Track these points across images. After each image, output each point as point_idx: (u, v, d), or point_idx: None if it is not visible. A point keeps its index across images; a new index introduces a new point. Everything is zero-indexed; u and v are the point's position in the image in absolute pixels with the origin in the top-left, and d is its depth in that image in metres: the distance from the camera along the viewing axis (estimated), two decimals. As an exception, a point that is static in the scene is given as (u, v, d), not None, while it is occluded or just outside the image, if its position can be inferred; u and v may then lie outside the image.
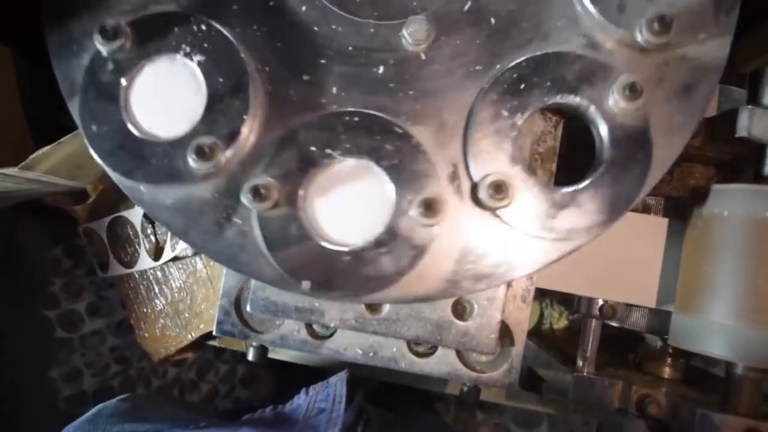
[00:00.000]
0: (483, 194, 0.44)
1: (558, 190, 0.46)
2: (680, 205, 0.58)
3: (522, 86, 0.46)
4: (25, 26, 0.51)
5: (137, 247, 0.81)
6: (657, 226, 0.59)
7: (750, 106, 0.53)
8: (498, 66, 0.47)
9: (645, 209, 0.60)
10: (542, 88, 0.46)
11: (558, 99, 0.46)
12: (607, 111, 0.45)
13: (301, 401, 0.64)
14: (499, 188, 0.43)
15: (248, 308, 0.53)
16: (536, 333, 0.77)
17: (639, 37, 0.44)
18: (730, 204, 0.53)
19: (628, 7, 0.45)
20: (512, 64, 0.47)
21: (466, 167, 0.46)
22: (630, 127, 0.45)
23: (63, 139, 0.56)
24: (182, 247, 0.79)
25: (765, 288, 0.50)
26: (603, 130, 0.45)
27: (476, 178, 0.46)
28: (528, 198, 0.45)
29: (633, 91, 0.43)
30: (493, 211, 0.46)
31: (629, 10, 0.45)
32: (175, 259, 0.80)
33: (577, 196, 0.45)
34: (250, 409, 0.70)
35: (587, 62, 0.46)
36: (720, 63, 0.47)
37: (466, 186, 0.47)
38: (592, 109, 0.45)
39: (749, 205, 0.51)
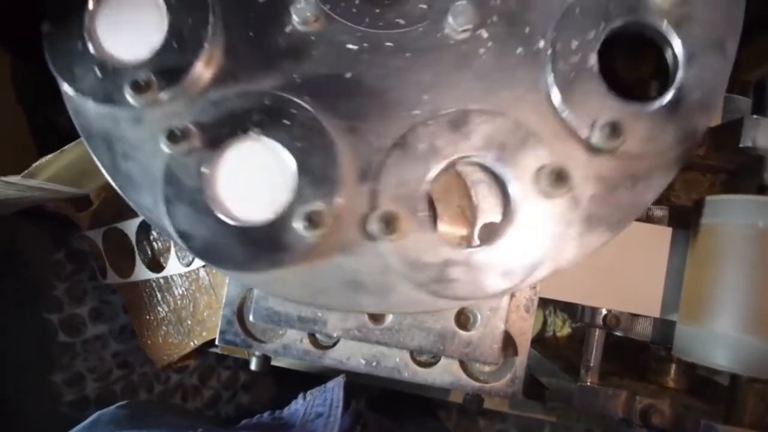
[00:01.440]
0: (598, 141, 0.44)
1: (656, 104, 0.45)
2: (684, 215, 0.58)
3: (581, 25, 0.46)
4: (27, 31, 0.51)
5: (132, 258, 0.81)
6: (661, 235, 0.59)
7: (755, 116, 0.53)
8: (550, 20, 0.46)
9: (649, 219, 0.59)
10: (604, 15, 0.45)
11: (619, 22, 0.45)
12: (664, 12, 0.45)
13: (299, 406, 0.64)
14: (614, 129, 0.43)
15: (251, 318, 0.53)
16: (539, 341, 0.76)
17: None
18: (734, 214, 0.52)
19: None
20: (565, 7, 0.46)
21: (567, 126, 0.46)
22: (690, 19, 0.45)
23: (66, 147, 0.56)
24: (197, 264, 0.78)
25: (769, 299, 0.50)
26: (668, 32, 0.45)
27: (583, 131, 0.45)
28: (637, 123, 0.45)
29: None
30: (612, 151, 0.45)
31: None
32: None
33: (675, 101, 0.45)
34: (252, 415, 0.70)
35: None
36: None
37: (574, 145, 0.46)
38: (652, 19, 0.45)
39: (754, 216, 0.51)
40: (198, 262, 0.77)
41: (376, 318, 0.53)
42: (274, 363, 0.67)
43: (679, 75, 0.45)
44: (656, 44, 0.47)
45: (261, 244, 0.45)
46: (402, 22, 0.48)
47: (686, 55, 0.45)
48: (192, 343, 0.80)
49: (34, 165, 0.57)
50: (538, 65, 0.47)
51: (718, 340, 0.51)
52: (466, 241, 0.47)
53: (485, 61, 0.47)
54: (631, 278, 0.59)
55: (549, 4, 0.47)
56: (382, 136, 0.47)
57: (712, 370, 0.61)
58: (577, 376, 0.60)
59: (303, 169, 0.45)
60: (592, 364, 0.60)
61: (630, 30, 0.46)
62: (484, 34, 0.48)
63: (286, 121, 0.46)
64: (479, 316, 0.53)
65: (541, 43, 0.47)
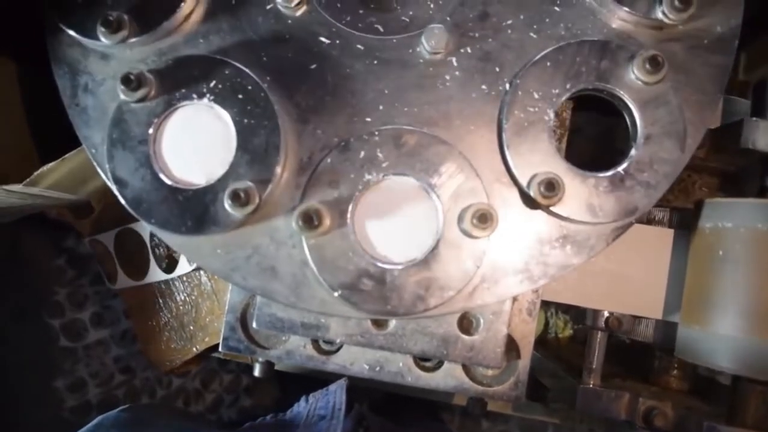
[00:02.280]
0: (535, 194, 0.44)
1: (601, 174, 0.46)
2: (685, 217, 0.58)
3: (550, 79, 0.47)
4: (30, 40, 0.51)
5: (146, 259, 0.81)
6: (662, 237, 0.59)
7: (754, 118, 0.53)
8: (521, 66, 0.48)
9: (650, 221, 0.60)
10: (568, 77, 0.46)
11: (585, 86, 0.46)
12: (634, 89, 0.46)
13: (301, 408, 0.65)
14: (551, 186, 0.44)
15: (254, 324, 0.53)
16: (541, 342, 0.77)
17: (658, 14, 0.45)
18: (735, 217, 0.52)
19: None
20: (536, 58, 0.47)
21: (509, 172, 0.46)
22: (658, 100, 0.46)
23: (67, 155, 0.56)
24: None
25: (770, 300, 0.50)
26: (633, 107, 0.46)
27: (523, 180, 0.46)
28: (577, 188, 0.46)
29: (654, 63, 0.44)
30: (547, 209, 0.46)
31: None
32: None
33: (621, 177, 0.46)
34: (255, 418, 0.70)
35: (608, 47, 0.46)
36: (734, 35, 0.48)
37: (511, 191, 0.47)
38: (620, 91, 0.46)
39: (754, 219, 0.51)
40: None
41: (379, 323, 0.53)
42: (276, 366, 0.67)
43: (632, 152, 0.46)
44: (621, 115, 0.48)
45: (188, 208, 0.46)
46: (380, 29, 0.49)
47: (644, 136, 0.46)
48: (194, 349, 0.80)
49: (35, 173, 0.57)
50: (497, 106, 0.48)
51: (720, 342, 0.52)
52: (384, 257, 0.47)
53: (448, 88, 0.48)
54: (633, 280, 0.59)
55: (524, 51, 0.48)
56: (330, 134, 0.48)
57: (713, 371, 0.62)
58: (579, 378, 0.60)
59: (244, 146, 0.46)
60: (594, 366, 0.60)
61: (596, 95, 0.47)
62: (454, 62, 0.48)
63: (240, 96, 0.46)
64: (482, 321, 0.53)
65: (506, 86, 0.48)
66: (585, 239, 0.48)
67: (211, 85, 0.47)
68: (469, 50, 0.48)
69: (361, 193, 0.46)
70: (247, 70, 0.47)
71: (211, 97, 0.47)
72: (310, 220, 0.43)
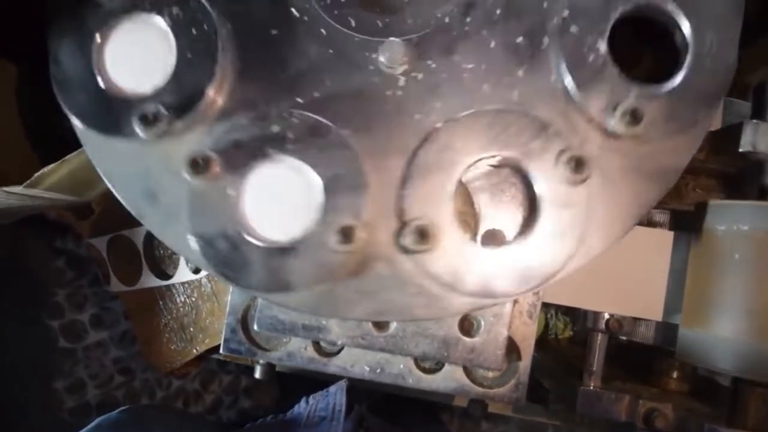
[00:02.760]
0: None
1: (670, 86, 0.45)
2: (686, 219, 0.58)
3: (591, 12, 0.45)
4: (31, 42, 0.51)
5: (139, 266, 0.81)
6: (662, 239, 0.59)
7: (754, 121, 0.53)
8: (555, 9, 0.46)
9: (650, 223, 0.60)
10: (609, 4, 0.45)
11: (629, 7, 0.45)
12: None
13: (302, 410, 0.65)
14: (634, 114, 0.43)
15: (255, 326, 0.53)
16: (541, 344, 0.77)
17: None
18: (735, 219, 0.53)
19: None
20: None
21: (585, 114, 0.45)
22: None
23: (67, 156, 0.56)
24: (205, 272, 0.78)
25: (771, 303, 0.50)
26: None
27: (602, 116, 0.45)
28: (656, 105, 0.45)
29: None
30: (635, 136, 0.45)
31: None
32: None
33: (688, 82, 0.45)
34: (254, 419, 0.70)
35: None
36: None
37: (591, 131, 0.46)
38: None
39: (754, 221, 0.51)
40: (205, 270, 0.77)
41: (380, 325, 0.53)
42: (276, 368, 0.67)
43: (690, 53, 0.45)
44: (662, 25, 0.46)
45: (294, 263, 0.45)
46: (351, 23, 0.48)
47: (694, 33, 0.45)
48: (194, 351, 0.80)
49: (36, 174, 0.57)
50: (550, 56, 0.46)
51: (720, 344, 0.52)
52: (499, 241, 0.47)
53: (495, 58, 0.47)
54: (634, 282, 0.59)
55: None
56: (402, 147, 0.46)
57: (714, 373, 0.62)
58: (579, 380, 0.60)
59: (329, 186, 0.45)
60: (594, 368, 0.60)
61: (637, 14, 0.46)
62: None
63: (306, 139, 0.46)
64: (482, 323, 0.53)
65: (551, 32, 0.46)
66: (673, 152, 0.46)
67: (273, 139, 0.46)
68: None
69: (455, 192, 0.45)
70: (301, 112, 0.46)
71: (277, 151, 0.46)
72: (421, 237, 0.43)
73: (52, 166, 0.57)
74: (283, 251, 0.45)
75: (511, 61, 0.47)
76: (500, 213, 0.47)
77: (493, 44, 0.47)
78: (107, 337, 0.88)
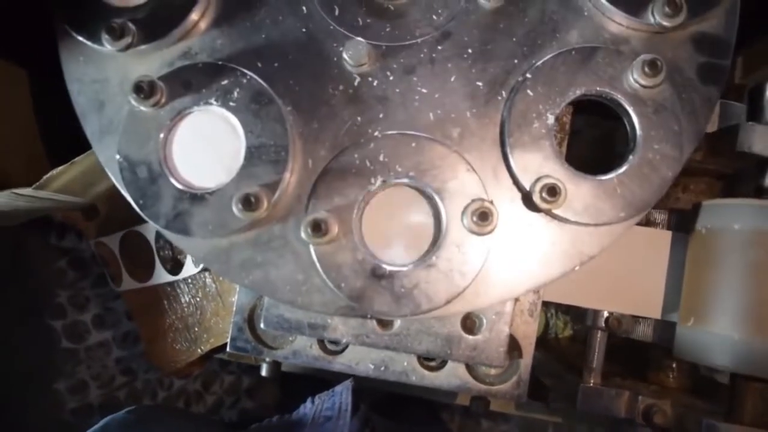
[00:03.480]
0: (537, 199, 0.45)
1: (601, 177, 0.47)
2: (683, 219, 0.59)
3: (550, 84, 0.47)
4: (41, 49, 0.52)
5: (151, 261, 0.81)
6: (660, 239, 0.60)
7: (750, 122, 0.54)
8: (522, 68, 0.49)
9: (648, 223, 0.61)
10: (569, 83, 0.47)
11: (585, 91, 0.47)
12: (633, 94, 0.47)
13: (308, 410, 0.65)
14: (553, 191, 0.44)
15: (262, 325, 0.54)
16: (542, 343, 0.77)
17: (651, 19, 0.46)
18: (731, 218, 0.54)
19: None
20: (538, 63, 0.48)
21: (512, 175, 0.48)
22: (656, 104, 0.47)
23: (76, 159, 0.57)
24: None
25: (766, 300, 0.51)
26: (632, 111, 0.47)
27: (526, 184, 0.47)
28: (578, 191, 0.47)
29: (653, 67, 0.45)
30: (548, 212, 0.47)
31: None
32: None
33: (621, 179, 0.47)
34: (256, 420, 0.70)
35: (607, 52, 0.47)
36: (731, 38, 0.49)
37: (515, 194, 0.48)
38: (619, 96, 0.47)
39: (750, 220, 0.52)
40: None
41: (385, 324, 0.54)
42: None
43: (631, 156, 0.47)
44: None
45: (197, 211, 0.47)
46: (390, 34, 0.50)
47: (643, 139, 0.47)
48: (199, 350, 0.81)
49: (45, 177, 0.58)
50: (501, 109, 0.49)
51: (717, 341, 0.53)
52: (393, 259, 0.48)
53: (451, 92, 0.49)
54: (632, 281, 0.60)
55: (525, 58, 0.49)
56: (333, 143, 0.49)
57: (712, 369, 0.63)
58: (579, 377, 0.61)
59: (252, 152, 0.47)
60: (594, 366, 0.61)
61: (597, 100, 0.48)
62: (455, 67, 0.49)
63: (249, 101, 0.48)
64: (485, 321, 0.54)
65: (508, 93, 0.49)
66: (586, 240, 0.48)
67: (220, 91, 0.48)
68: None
69: (365, 200, 0.47)
70: (258, 79, 0.48)
71: (220, 103, 0.47)
72: (318, 229, 0.44)
73: (60, 168, 0.58)
74: (192, 197, 0.47)
75: (464, 100, 0.49)
76: (401, 234, 0.49)
77: (453, 78, 0.49)
78: (110, 337, 0.89)
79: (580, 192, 0.46)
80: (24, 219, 0.74)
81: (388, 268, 0.47)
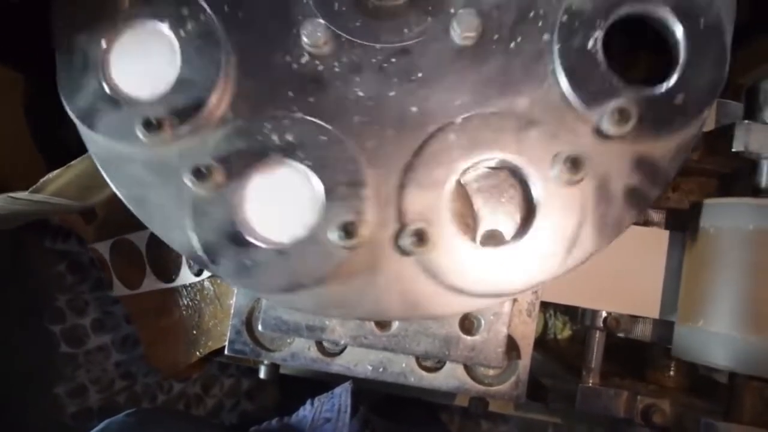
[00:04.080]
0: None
1: (661, 88, 0.46)
2: (681, 218, 0.59)
3: (587, 14, 0.46)
4: (37, 52, 0.52)
5: (142, 268, 0.81)
6: (658, 238, 0.60)
7: (746, 121, 0.54)
8: (554, 12, 0.47)
9: (646, 222, 0.61)
10: (604, 7, 0.46)
11: (630, 10, 0.46)
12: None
13: (307, 412, 0.65)
14: (623, 114, 0.43)
15: (260, 327, 0.54)
16: (540, 343, 0.77)
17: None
18: (729, 217, 0.54)
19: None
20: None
21: (577, 113, 0.46)
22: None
23: (72, 162, 0.57)
24: (207, 274, 0.79)
25: (764, 299, 0.51)
26: (671, 17, 0.46)
27: (594, 116, 0.45)
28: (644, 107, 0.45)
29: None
30: (623, 137, 0.45)
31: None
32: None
33: (680, 84, 0.46)
34: (256, 422, 0.70)
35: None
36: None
37: (584, 132, 0.47)
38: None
39: (748, 219, 0.52)
40: (207, 272, 0.78)
41: (383, 325, 0.54)
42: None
43: (682, 57, 0.46)
44: (657, 28, 0.47)
45: (299, 262, 0.45)
46: (407, 32, 0.48)
47: (687, 37, 0.46)
48: (198, 353, 0.81)
49: (41, 180, 0.57)
50: (545, 58, 0.47)
51: (716, 340, 0.53)
52: (498, 241, 0.47)
53: (492, 63, 0.48)
54: (630, 281, 0.60)
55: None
56: (401, 152, 0.47)
57: (711, 369, 0.63)
58: (578, 378, 0.61)
59: (329, 187, 0.46)
60: (593, 366, 0.61)
61: (632, 17, 0.47)
62: (491, 36, 0.48)
63: (306, 142, 0.46)
64: (483, 321, 0.54)
65: (546, 36, 0.47)
66: (665, 154, 0.47)
67: (274, 142, 0.47)
68: (498, 21, 0.48)
69: (453, 193, 0.46)
70: (301, 116, 0.47)
71: (279, 153, 0.47)
72: (419, 239, 0.43)
73: (57, 171, 0.58)
74: (287, 252, 0.45)
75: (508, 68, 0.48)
76: (498, 214, 0.48)
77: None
78: (109, 341, 0.89)
79: (647, 107, 0.45)
80: (21, 222, 0.73)
81: (499, 250, 0.46)
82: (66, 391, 0.85)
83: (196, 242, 0.46)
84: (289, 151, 0.46)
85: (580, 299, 0.61)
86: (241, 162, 0.46)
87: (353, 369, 0.57)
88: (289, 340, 0.57)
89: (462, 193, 0.48)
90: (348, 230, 0.43)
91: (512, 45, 0.48)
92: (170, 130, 0.45)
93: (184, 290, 0.81)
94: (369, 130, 0.48)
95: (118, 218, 0.78)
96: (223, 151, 0.46)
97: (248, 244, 0.46)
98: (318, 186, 0.46)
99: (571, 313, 0.76)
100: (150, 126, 0.44)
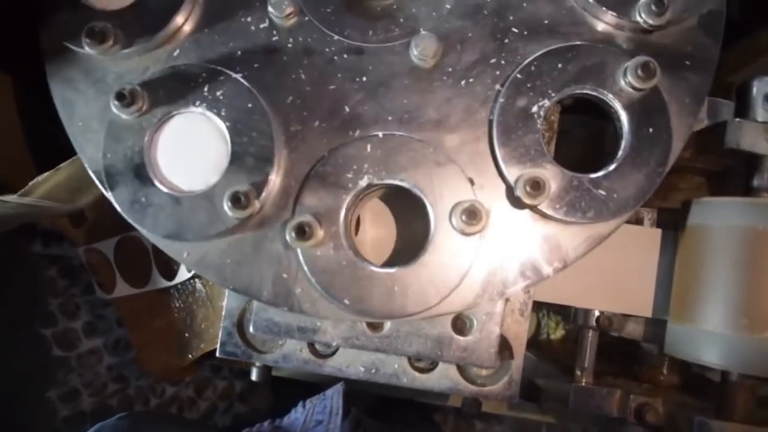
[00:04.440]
0: (521, 193, 0.45)
1: (589, 175, 0.47)
2: (672, 217, 0.59)
3: (540, 81, 0.47)
4: (27, 57, 0.51)
5: (148, 267, 0.80)
6: (650, 237, 0.60)
7: (737, 119, 0.55)
8: (511, 67, 0.48)
9: (638, 221, 0.61)
10: (559, 80, 0.47)
11: (574, 90, 0.47)
12: (623, 94, 0.47)
13: (299, 414, 0.65)
14: (537, 185, 0.44)
15: (251, 329, 0.54)
16: (534, 344, 0.77)
17: (638, 18, 0.46)
18: (720, 216, 0.54)
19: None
20: (527, 61, 0.48)
21: (499, 172, 0.47)
22: (646, 105, 0.47)
23: (61, 165, 0.56)
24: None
25: (756, 297, 0.51)
26: (621, 112, 0.47)
27: (511, 179, 0.46)
28: (564, 188, 0.46)
29: (647, 70, 0.44)
30: (532, 207, 0.46)
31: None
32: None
33: (608, 178, 0.46)
34: (249, 425, 0.70)
35: (598, 51, 0.47)
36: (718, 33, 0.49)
37: (499, 189, 0.48)
38: (608, 95, 0.47)
39: (739, 217, 0.52)
40: (181, 276, 0.78)
41: (375, 326, 0.54)
42: (272, 372, 0.67)
43: (620, 154, 0.47)
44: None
45: (185, 214, 0.46)
46: (370, 35, 0.49)
47: (631, 139, 0.47)
48: (190, 356, 0.80)
49: (30, 183, 0.57)
50: (488, 108, 0.48)
51: (707, 338, 0.53)
52: (381, 261, 0.48)
53: (437, 92, 0.49)
54: (623, 280, 0.60)
55: (515, 54, 0.49)
56: (319, 142, 0.48)
57: (703, 367, 0.63)
58: (572, 378, 0.61)
59: (238, 151, 0.47)
60: (586, 365, 0.61)
61: (586, 98, 0.48)
62: (443, 68, 0.49)
63: (233, 104, 0.47)
64: (475, 321, 0.54)
65: (497, 88, 0.48)
66: (572, 240, 0.48)
67: (204, 93, 0.47)
68: (459, 56, 0.49)
69: (351, 202, 0.47)
70: (240, 79, 0.48)
71: (204, 105, 0.47)
72: (302, 232, 0.44)
73: (45, 174, 0.57)
74: (181, 201, 0.46)
75: (455, 103, 0.49)
76: (389, 233, 0.50)
77: (442, 82, 0.49)
78: (101, 344, 0.88)
79: (565, 189, 0.46)
80: (10, 226, 0.73)
81: (377, 270, 0.46)
82: (58, 395, 0.85)
83: (101, 161, 0.48)
84: (214, 107, 0.47)
85: (572, 298, 0.61)
86: (166, 100, 0.47)
87: (346, 370, 0.57)
88: (280, 342, 0.57)
89: (361, 203, 0.49)
90: (239, 200, 0.44)
91: (463, 83, 0.49)
92: (112, 41, 0.46)
93: (176, 292, 0.81)
94: (297, 114, 0.49)
95: (108, 220, 0.78)
96: (155, 83, 0.48)
97: (148, 180, 0.47)
98: (228, 148, 0.47)
99: (563, 312, 0.76)
100: (93, 35, 0.46)
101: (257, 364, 0.60)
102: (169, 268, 0.80)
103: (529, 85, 0.47)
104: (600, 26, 0.49)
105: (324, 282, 0.46)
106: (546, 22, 0.49)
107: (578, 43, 0.48)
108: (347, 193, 0.47)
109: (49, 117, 0.50)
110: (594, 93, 0.47)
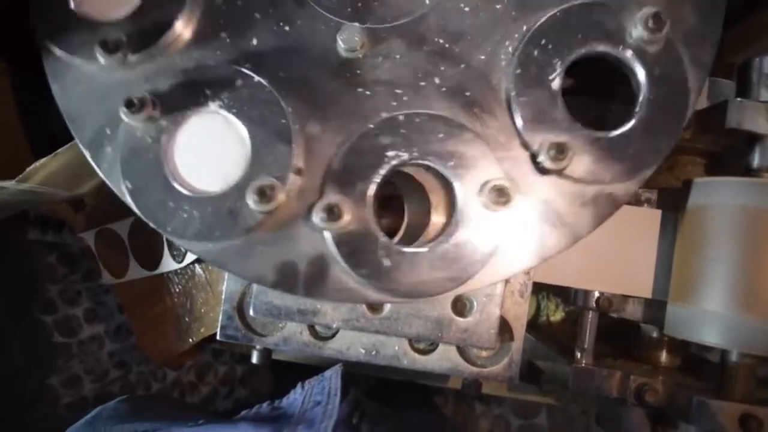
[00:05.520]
0: (545, 158, 0.44)
1: (607, 134, 0.46)
2: (673, 197, 0.59)
3: (553, 44, 0.46)
4: (23, 42, 0.51)
5: (126, 257, 0.80)
6: (650, 217, 0.60)
7: (738, 99, 0.54)
8: (524, 30, 0.47)
9: (638, 201, 0.61)
10: (572, 42, 0.46)
11: (590, 48, 0.46)
12: (637, 48, 0.46)
13: (297, 395, 0.65)
14: (561, 149, 0.43)
15: (251, 312, 0.54)
16: (533, 325, 0.78)
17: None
18: (720, 196, 0.54)
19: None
20: (538, 23, 0.47)
21: (520, 137, 0.47)
22: (660, 56, 0.46)
23: (59, 150, 0.56)
24: (189, 260, 0.78)
25: (756, 277, 0.51)
26: (637, 67, 0.46)
27: (534, 145, 0.46)
28: (588, 149, 0.46)
29: (657, 21, 0.44)
30: (558, 172, 0.46)
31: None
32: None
33: (629, 136, 0.46)
34: (250, 408, 0.70)
35: (607, 8, 0.46)
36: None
37: (521, 158, 0.47)
38: (624, 52, 0.46)
39: (739, 197, 0.52)
40: (190, 257, 0.78)
41: (375, 308, 0.54)
42: (273, 356, 0.67)
43: (637, 111, 0.46)
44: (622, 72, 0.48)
45: (208, 215, 0.46)
46: (379, 16, 0.48)
47: (648, 94, 0.46)
48: (190, 340, 0.81)
49: (27, 169, 0.57)
50: (504, 81, 0.47)
51: (707, 318, 0.53)
52: (409, 240, 0.48)
53: (457, 66, 0.48)
54: (623, 260, 0.60)
55: (527, 17, 0.48)
56: (339, 128, 0.47)
57: (703, 347, 0.63)
58: (571, 359, 0.61)
59: (258, 147, 0.46)
60: (586, 346, 0.61)
61: (598, 57, 0.47)
62: (462, 40, 0.48)
63: (246, 98, 0.46)
64: (475, 303, 0.54)
65: (510, 53, 0.47)
66: (596, 200, 0.47)
67: (215, 91, 0.46)
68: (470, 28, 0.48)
69: (378, 184, 0.46)
70: (249, 72, 0.47)
71: (217, 103, 0.46)
72: (330, 214, 0.43)
73: (43, 160, 0.57)
74: (204, 203, 0.46)
75: (464, 74, 0.48)
76: (418, 215, 0.49)
77: (449, 53, 0.48)
78: (102, 331, 0.89)
79: (588, 149, 0.45)
80: (8, 213, 0.73)
81: (406, 250, 0.46)
82: (60, 382, 0.85)
83: (119, 174, 0.47)
84: (228, 105, 0.46)
85: (572, 280, 0.61)
86: (178, 102, 0.46)
87: (346, 352, 0.57)
88: (281, 325, 0.57)
89: (388, 184, 0.48)
90: (264, 193, 0.43)
91: (481, 55, 0.48)
92: (126, 54, 0.46)
93: (175, 277, 0.81)
94: (315, 102, 0.48)
95: (107, 207, 0.78)
96: (164, 86, 0.47)
97: (168, 185, 0.46)
98: (247, 143, 0.46)
99: (563, 294, 0.76)
100: (106, 47, 0.45)
101: (257, 347, 0.60)
102: (148, 258, 0.80)
103: (542, 49, 0.46)
104: None
105: (356, 264, 0.46)
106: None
107: (588, 1, 0.47)
108: (375, 174, 0.46)
109: (46, 103, 0.50)
110: (608, 50, 0.46)
